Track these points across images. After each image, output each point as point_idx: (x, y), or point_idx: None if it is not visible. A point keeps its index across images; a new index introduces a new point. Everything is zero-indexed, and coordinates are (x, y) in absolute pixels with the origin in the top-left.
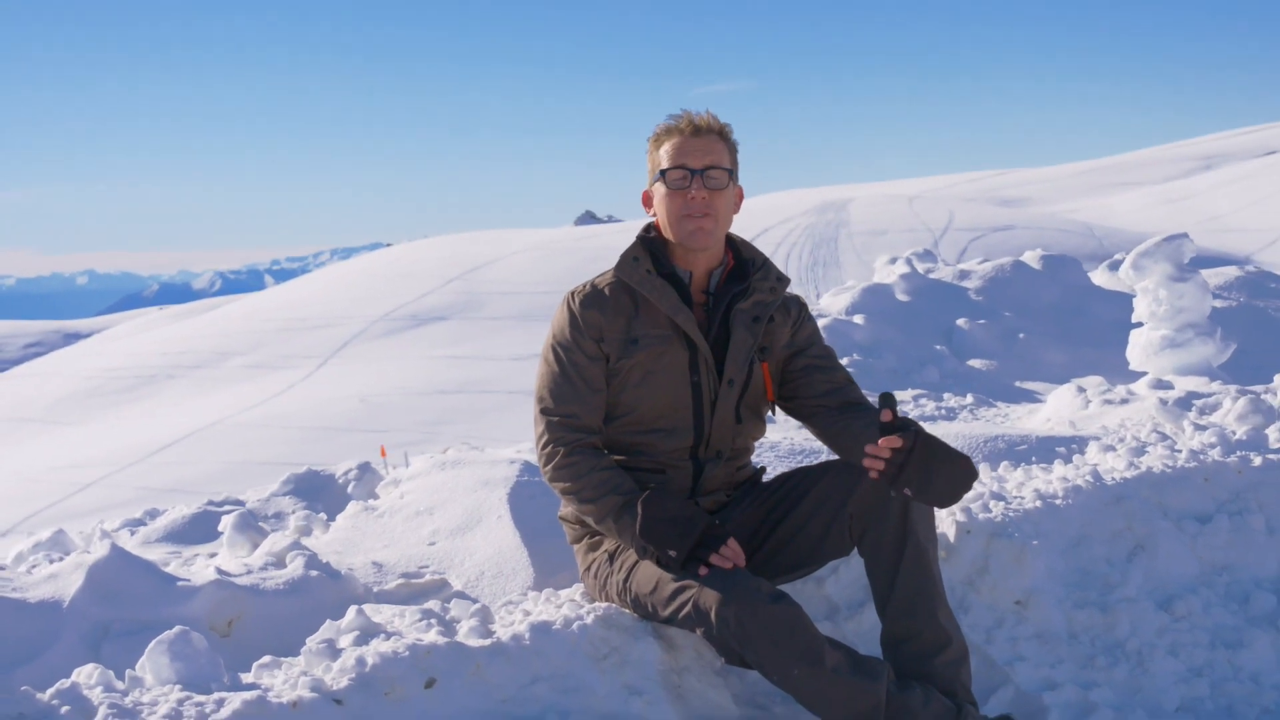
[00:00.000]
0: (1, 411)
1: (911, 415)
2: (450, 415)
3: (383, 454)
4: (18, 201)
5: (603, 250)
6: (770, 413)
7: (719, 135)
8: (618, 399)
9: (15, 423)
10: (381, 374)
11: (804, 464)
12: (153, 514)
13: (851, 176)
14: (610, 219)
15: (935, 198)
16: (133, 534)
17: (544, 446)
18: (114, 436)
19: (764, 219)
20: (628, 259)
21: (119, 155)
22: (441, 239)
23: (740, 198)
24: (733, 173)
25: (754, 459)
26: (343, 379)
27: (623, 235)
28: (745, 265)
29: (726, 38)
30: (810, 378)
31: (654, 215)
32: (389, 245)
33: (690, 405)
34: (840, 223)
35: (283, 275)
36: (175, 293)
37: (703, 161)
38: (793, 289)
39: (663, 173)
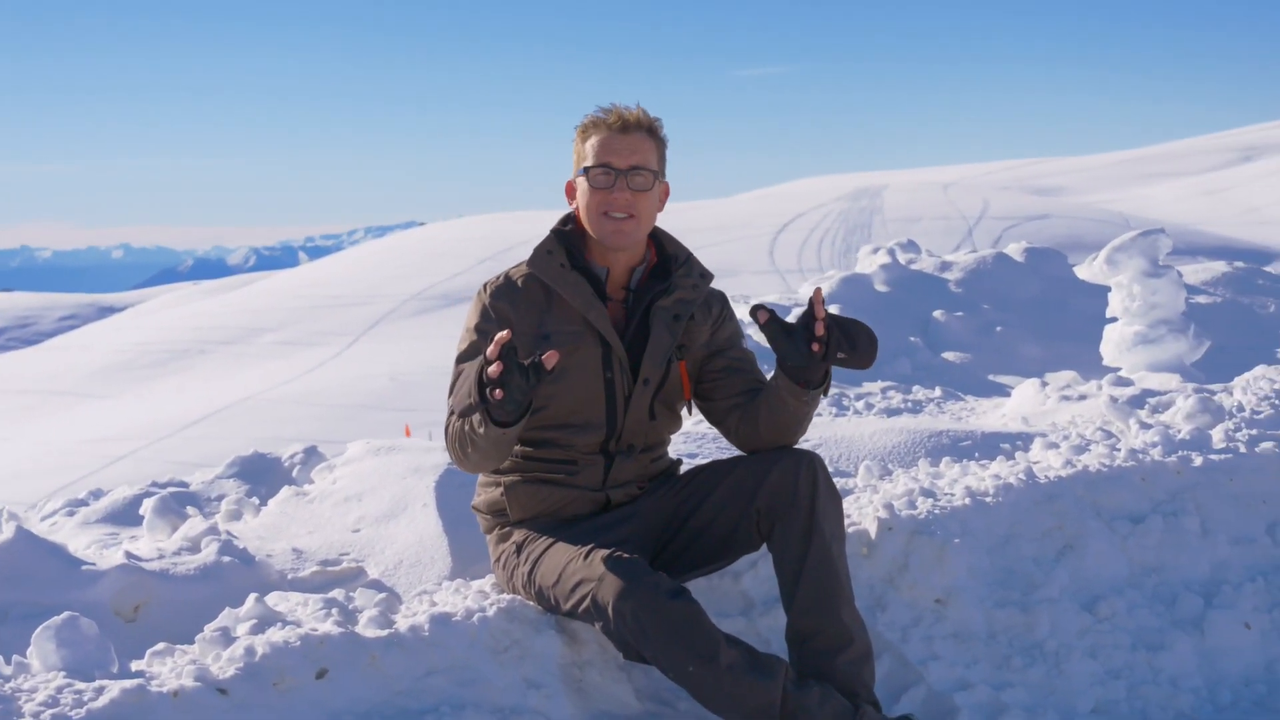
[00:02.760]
0: (35, 384)
1: (878, 407)
2: None
3: (407, 433)
4: (55, 174)
5: None
6: (687, 411)
7: (647, 132)
8: None
9: (49, 395)
10: (412, 353)
11: None
12: (96, 494)
13: (887, 163)
14: None
15: (970, 185)
16: (71, 515)
17: (445, 437)
18: (146, 410)
19: (797, 204)
20: (541, 252)
21: (157, 129)
22: (475, 219)
23: (666, 194)
24: (658, 173)
25: (703, 450)
26: (373, 357)
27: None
28: (668, 262)
29: (765, 20)
30: (729, 380)
31: (575, 207)
32: (423, 224)
33: (603, 402)
34: (874, 209)
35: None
36: (210, 268)
37: (628, 161)
38: (827, 275)
39: (586, 169)
